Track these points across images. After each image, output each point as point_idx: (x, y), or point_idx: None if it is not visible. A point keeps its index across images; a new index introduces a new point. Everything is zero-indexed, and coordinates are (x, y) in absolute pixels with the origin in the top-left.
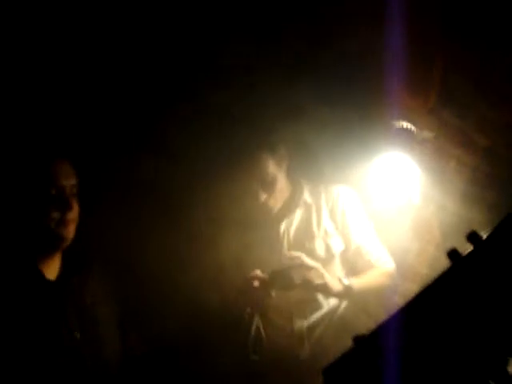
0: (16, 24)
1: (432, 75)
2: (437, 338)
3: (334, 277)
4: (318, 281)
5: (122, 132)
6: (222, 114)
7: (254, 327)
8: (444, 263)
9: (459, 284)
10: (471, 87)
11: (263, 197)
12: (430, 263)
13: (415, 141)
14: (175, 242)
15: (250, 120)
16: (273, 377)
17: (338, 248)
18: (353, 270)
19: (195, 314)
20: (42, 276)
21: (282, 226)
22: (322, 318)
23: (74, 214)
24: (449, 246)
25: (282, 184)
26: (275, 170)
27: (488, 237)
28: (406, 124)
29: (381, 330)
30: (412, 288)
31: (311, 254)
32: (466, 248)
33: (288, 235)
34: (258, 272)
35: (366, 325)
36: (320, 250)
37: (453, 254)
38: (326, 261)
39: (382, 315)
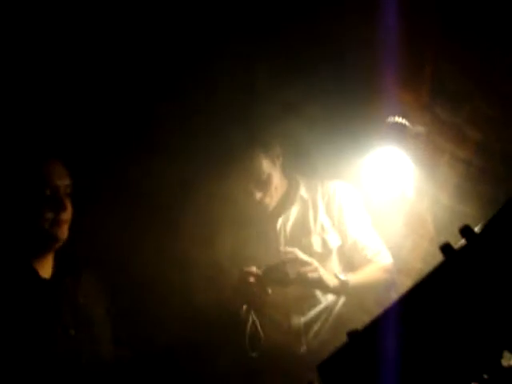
0: (5, 27)
1: (424, 70)
2: (431, 332)
3: (331, 272)
4: (312, 275)
5: (114, 133)
6: (212, 113)
7: (250, 324)
8: (438, 257)
9: (453, 278)
10: (464, 82)
11: (258, 195)
12: (423, 258)
13: (408, 135)
14: (169, 242)
15: (242, 119)
16: (270, 373)
17: (334, 243)
18: (350, 265)
19: (192, 315)
20: (37, 274)
21: (279, 223)
22: (320, 315)
23: (67, 215)
24: (442, 240)
25: (277, 181)
26: (270, 168)
27: (481, 231)
28: (399, 119)
29: (375, 325)
30: (406, 282)
31: (308, 249)
32: (460, 242)
33: (285, 231)
34: (253, 268)
35: (363, 321)
36: (317, 245)
37: (446, 248)
38: (323, 256)
39: (379, 311)
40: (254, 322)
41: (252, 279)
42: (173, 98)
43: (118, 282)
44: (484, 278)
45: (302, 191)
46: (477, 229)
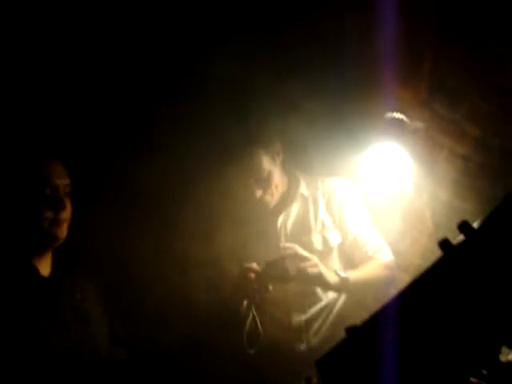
0: (6, 28)
1: (423, 66)
2: (429, 327)
3: (331, 269)
4: (312, 270)
5: (113, 132)
6: (211, 111)
7: (249, 320)
8: (436, 253)
9: (451, 274)
10: (463, 77)
11: (259, 193)
12: (422, 253)
13: (407, 131)
14: (169, 241)
15: (242, 116)
16: (270, 370)
17: (335, 241)
18: (350, 262)
19: (192, 314)
20: (37, 272)
21: (279, 221)
22: (321, 312)
23: (67, 214)
24: (441, 236)
25: (277, 179)
26: (270, 165)
27: (479, 227)
28: (397, 115)
29: (373, 321)
30: (404, 278)
31: (308, 247)
32: (458, 238)
33: (285, 229)
34: (253, 264)
35: (364, 318)
36: (317, 243)
37: (444, 244)
38: (324, 254)
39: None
40: (254, 318)
41: (252, 275)
42: (172, 97)
43: (117, 281)
44: (482, 273)
45: (303, 189)
46: (475, 224)
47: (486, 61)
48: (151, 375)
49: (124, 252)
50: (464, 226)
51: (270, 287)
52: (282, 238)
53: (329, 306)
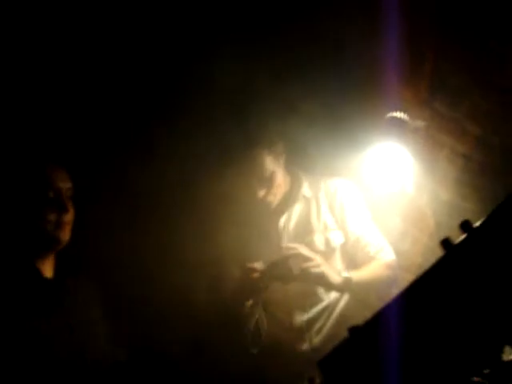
0: (6, 29)
1: (424, 66)
2: (431, 327)
3: (334, 269)
4: (315, 270)
5: (114, 133)
6: (212, 112)
7: (254, 320)
8: (438, 252)
9: (453, 273)
10: (463, 77)
11: (261, 193)
12: (423, 252)
13: (408, 130)
14: (170, 242)
15: (241, 118)
16: (272, 370)
17: (337, 241)
18: (352, 262)
19: (194, 314)
20: (40, 274)
21: (282, 221)
22: (322, 312)
23: (70, 217)
24: (442, 234)
25: (280, 179)
26: (273, 165)
27: (480, 226)
28: (398, 114)
29: (375, 320)
30: (406, 277)
31: (311, 248)
32: (460, 237)
33: (287, 230)
34: (256, 264)
35: (366, 317)
36: (319, 244)
37: (446, 243)
38: (326, 255)
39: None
40: (259, 317)
41: (255, 275)
42: (173, 97)
43: (118, 281)
44: (484, 272)
45: (305, 189)
46: (477, 224)
47: (486, 60)
48: (152, 375)
49: (125, 252)
50: (465, 225)
51: (272, 286)
52: (284, 239)
53: (330, 306)
